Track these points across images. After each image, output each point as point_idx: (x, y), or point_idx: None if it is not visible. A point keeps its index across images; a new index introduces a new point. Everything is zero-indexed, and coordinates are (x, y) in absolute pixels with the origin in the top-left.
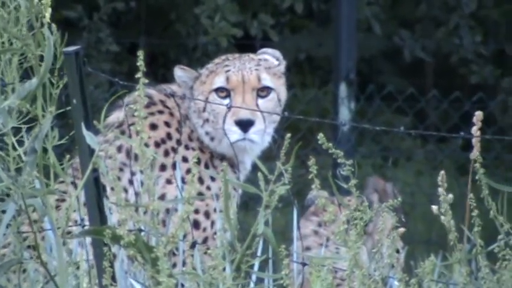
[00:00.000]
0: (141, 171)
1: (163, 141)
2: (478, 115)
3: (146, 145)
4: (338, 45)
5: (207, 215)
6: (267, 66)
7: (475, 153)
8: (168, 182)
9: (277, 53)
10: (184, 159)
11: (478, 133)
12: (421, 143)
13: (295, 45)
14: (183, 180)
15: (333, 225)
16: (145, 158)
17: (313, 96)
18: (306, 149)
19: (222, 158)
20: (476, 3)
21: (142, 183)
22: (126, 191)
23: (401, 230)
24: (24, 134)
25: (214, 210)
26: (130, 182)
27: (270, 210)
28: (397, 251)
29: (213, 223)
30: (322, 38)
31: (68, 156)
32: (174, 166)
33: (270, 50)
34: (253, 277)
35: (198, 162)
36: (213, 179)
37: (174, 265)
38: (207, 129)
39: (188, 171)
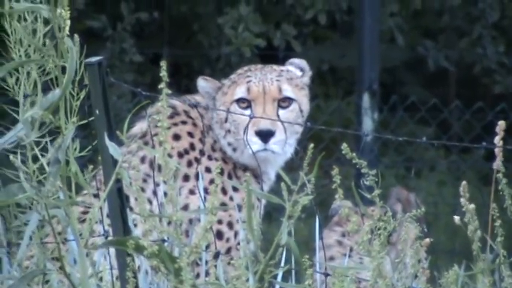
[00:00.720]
0: (164, 182)
1: (186, 152)
2: (501, 125)
3: (169, 156)
4: (361, 56)
5: (230, 225)
6: (289, 77)
7: (497, 163)
8: (191, 192)
9: (303, 63)
10: (208, 170)
11: (501, 143)
12: (444, 153)
13: (318, 56)
14: (206, 191)
15: (356, 235)
16: (168, 168)
17: (336, 107)
18: (329, 159)
19: (245, 168)
20: (499, 13)
21: (165, 194)
22: (150, 202)
23: (427, 240)
24: (45, 145)
25: (238, 220)
26: (154, 193)
27: (293, 220)
28: (419, 262)
29: (236, 233)
30: (345, 49)
31: (90, 167)
32: (197, 176)
33: (296, 60)
34: (277, 287)
35: (221, 173)
36: (236, 189)
37: (197, 275)
38: (229, 140)
39: (211, 181)
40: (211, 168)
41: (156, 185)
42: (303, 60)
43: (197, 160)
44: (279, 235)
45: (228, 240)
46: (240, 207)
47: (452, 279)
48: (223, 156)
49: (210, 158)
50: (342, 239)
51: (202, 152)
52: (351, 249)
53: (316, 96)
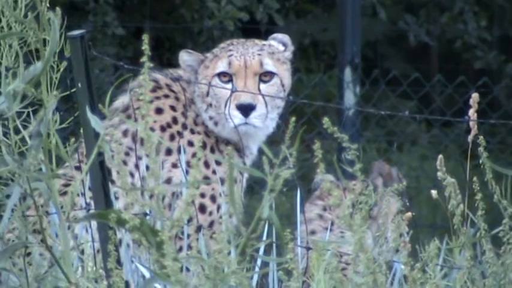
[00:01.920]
0: (147, 156)
1: (168, 126)
2: (474, 97)
3: (152, 129)
4: (343, 30)
5: (213, 199)
6: (271, 51)
7: (472, 136)
8: (174, 166)
9: (285, 38)
10: (190, 144)
11: (475, 115)
12: (426, 127)
13: (300, 29)
14: (189, 164)
15: (337, 209)
16: (150, 142)
17: (318, 80)
18: (311, 133)
19: (227, 142)
20: None
21: (147, 168)
22: (132, 175)
23: (408, 214)
24: (27, 117)
25: (220, 194)
26: (136, 166)
27: (274, 194)
28: (400, 236)
29: (219, 207)
30: (327, 22)
31: (72, 139)
32: (179, 150)
33: (279, 35)
34: (258, 261)
35: (204, 147)
36: (218, 163)
37: (180, 249)
38: (211, 113)
39: (194, 155)
40: (193, 142)
41: (139, 158)
42: (286, 35)
43: (180, 134)
44: (261, 209)
45: (210, 213)
46: (222, 181)
47: (433, 253)
48: (206, 130)
49: (192, 131)
50: (323, 213)
51: (184, 126)
52: (332, 223)
53: (298, 70)
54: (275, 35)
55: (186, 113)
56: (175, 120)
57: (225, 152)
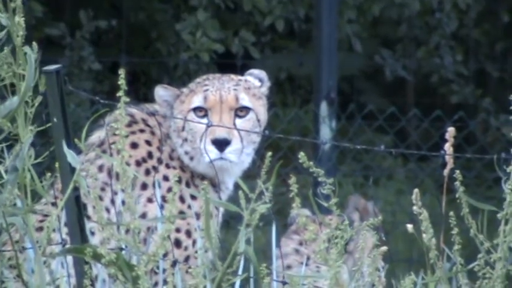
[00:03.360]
0: (123, 190)
1: (144, 160)
2: (450, 131)
3: (127, 164)
4: (319, 64)
5: (188, 233)
6: (247, 86)
7: (448, 170)
8: (149, 200)
9: (262, 74)
10: (165, 178)
11: (451, 149)
12: (402, 161)
13: (277, 64)
14: (164, 199)
15: (313, 243)
16: (126, 176)
17: (294, 115)
18: (287, 168)
19: (203, 177)
20: (457, 22)
21: (123, 203)
22: (108, 210)
23: (384, 248)
24: (1, 152)
25: (196, 229)
26: (112, 201)
27: (251, 228)
28: (378, 270)
29: (194, 242)
30: (303, 57)
31: (48, 174)
32: (155, 185)
33: (256, 71)
34: None
35: (179, 181)
36: (194, 198)
37: (156, 284)
38: (186, 148)
39: (169, 190)
40: (169, 177)
41: (114, 193)
42: (262, 71)
43: (155, 168)
44: (237, 243)
45: (186, 248)
46: (198, 216)
47: None
48: (181, 165)
49: (168, 166)
50: (299, 247)
51: (160, 161)
52: (308, 258)
53: (274, 104)
54: (252, 70)
55: (162, 148)
56: (150, 155)
57: (201, 187)
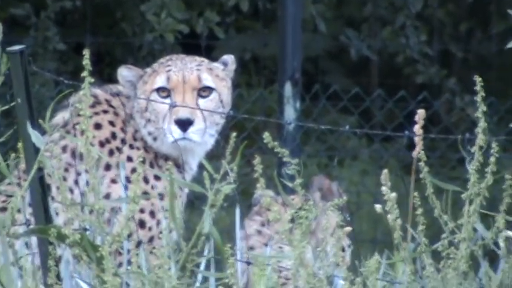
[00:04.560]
0: (86, 171)
1: (107, 141)
2: (420, 113)
3: (91, 144)
4: (283, 45)
5: (152, 214)
6: (210, 67)
7: (417, 152)
8: (113, 181)
9: (230, 57)
10: (129, 159)
11: (421, 131)
12: (367, 142)
13: (241, 44)
14: (128, 180)
15: (276, 224)
16: (90, 157)
17: (259, 95)
18: (252, 148)
19: (167, 158)
20: (422, 3)
21: (87, 183)
22: (71, 191)
23: (348, 228)
24: None
25: (160, 209)
26: (76, 182)
27: (215, 209)
28: (343, 249)
29: (158, 222)
30: (267, 37)
31: (12, 155)
32: (118, 165)
33: (225, 57)
34: (199, 276)
35: (143, 162)
36: (157, 178)
37: (120, 264)
38: (150, 129)
39: (133, 170)
40: (132, 157)
41: (78, 174)
42: (231, 55)
43: (118, 149)
44: (201, 224)
45: (150, 229)
46: (161, 196)
47: (373, 268)
48: (145, 146)
49: (131, 147)
50: (262, 228)
51: (123, 141)
52: (271, 239)
53: (239, 85)
54: (222, 57)
55: (126, 129)
56: (114, 136)
57: (165, 168)
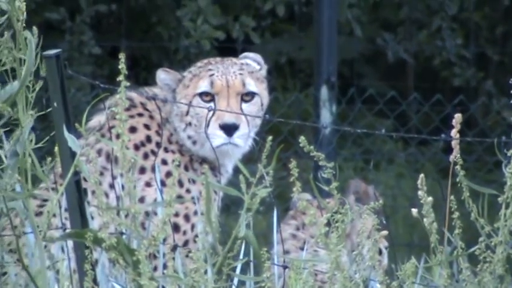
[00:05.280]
0: (121, 175)
1: (142, 144)
2: (457, 117)
3: (126, 148)
4: (319, 48)
5: (186, 218)
6: (250, 70)
7: (454, 156)
8: (148, 184)
9: (258, 57)
10: (164, 162)
11: (457, 135)
12: (403, 145)
13: (277, 48)
14: (163, 183)
15: (311, 228)
16: (126, 160)
17: (295, 99)
18: (288, 152)
19: (202, 161)
20: (458, 6)
21: (122, 187)
22: (106, 195)
23: (384, 232)
24: (2, 137)
25: (194, 213)
26: (111, 186)
27: (251, 213)
28: (380, 252)
29: (193, 226)
30: (303, 41)
31: (49, 159)
32: (153, 169)
33: (251, 54)
34: (235, 280)
35: (178, 165)
36: (192, 181)
37: (155, 269)
38: (190, 133)
39: (167, 174)
40: (167, 161)
41: (113, 178)
42: (258, 54)
43: (153, 152)
44: (238, 227)
45: (184, 233)
46: (197, 200)
47: (410, 272)
48: (180, 149)
49: (166, 150)
50: (297, 232)
51: (158, 145)
52: (305, 242)
53: (275, 88)
54: (247, 53)
55: (161, 132)
56: (149, 139)
57: (199, 171)
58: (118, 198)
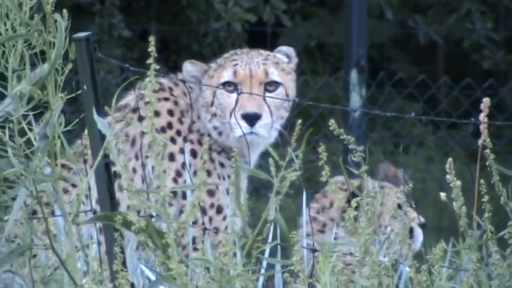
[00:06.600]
0: (147, 157)
1: (163, 130)
2: (486, 101)
3: (146, 132)
4: (349, 32)
5: (213, 206)
6: (275, 61)
7: (483, 140)
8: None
9: (290, 50)
10: (181, 151)
11: (486, 119)
12: (432, 129)
13: (307, 32)
14: (178, 173)
15: (330, 211)
16: (156, 144)
17: (324, 83)
18: (317, 135)
19: (220, 151)
20: None
21: (147, 170)
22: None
23: (414, 216)
24: (32, 120)
25: (221, 202)
26: (133, 170)
27: (280, 196)
28: (411, 233)
29: (219, 212)
30: (333, 25)
31: (78, 141)
32: (170, 157)
33: (284, 48)
34: (264, 263)
35: (195, 155)
36: (222, 165)
37: (183, 248)
38: (215, 123)
39: (183, 164)
40: (184, 150)
41: (140, 161)
42: (290, 47)
43: (173, 140)
44: (267, 211)
45: (211, 219)
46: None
47: (439, 255)
48: (199, 138)
49: (185, 139)
50: (317, 215)
51: (179, 132)
52: (324, 225)
53: (304, 72)
54: (280, 47)
55: (192, 114)
56: (170, 125)
57: (218, 161)
58: (143, 181)
